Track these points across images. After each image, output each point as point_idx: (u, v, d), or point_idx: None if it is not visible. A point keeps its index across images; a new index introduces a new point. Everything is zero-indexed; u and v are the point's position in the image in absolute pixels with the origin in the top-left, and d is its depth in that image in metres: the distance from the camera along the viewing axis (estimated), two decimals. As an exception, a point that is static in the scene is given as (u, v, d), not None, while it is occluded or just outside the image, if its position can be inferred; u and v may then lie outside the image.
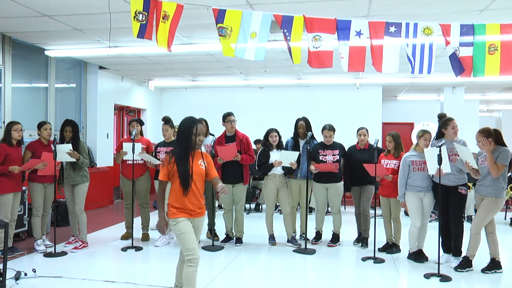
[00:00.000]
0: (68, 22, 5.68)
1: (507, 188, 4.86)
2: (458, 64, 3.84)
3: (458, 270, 4.70)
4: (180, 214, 3.36)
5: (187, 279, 3.32)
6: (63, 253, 5.23)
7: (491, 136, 4.58)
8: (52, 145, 5.21)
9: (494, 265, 4.70)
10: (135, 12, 3.74)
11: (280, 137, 5.82)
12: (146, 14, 3.75)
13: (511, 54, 3.65)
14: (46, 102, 7.63)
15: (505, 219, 7.61)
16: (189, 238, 3.33)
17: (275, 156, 5.68)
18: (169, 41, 3.79)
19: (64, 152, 5.19)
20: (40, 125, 5.44)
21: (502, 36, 3.66)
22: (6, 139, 5.11)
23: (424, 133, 5.09)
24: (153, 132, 10.60)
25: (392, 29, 3.80)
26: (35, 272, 4.42)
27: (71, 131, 5.46)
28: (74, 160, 5.30)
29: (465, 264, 4.72)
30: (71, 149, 5.25)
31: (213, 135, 6.13)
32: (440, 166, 4.50)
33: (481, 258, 4.76)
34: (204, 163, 3.47)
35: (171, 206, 3.39)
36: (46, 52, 7.19)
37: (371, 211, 5.71)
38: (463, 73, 3.83)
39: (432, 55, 3.84)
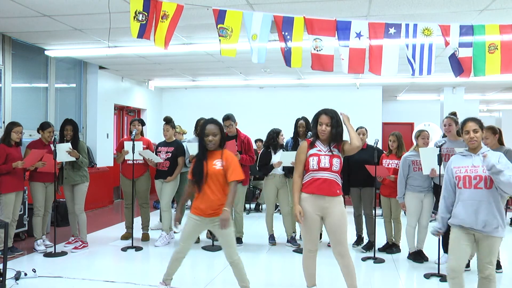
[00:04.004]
0: (68, 22, 5.68)
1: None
2: (457, 65, 3.84)
3: None
4: (193, 211, 3.61)
5: (168, 263, 3.77)
6: (63, 253, 5.23)
7: (496, 134, 4.63)
8: (52, 145, 5.21)
9: (494, 265, 4.70)
10: (135, 12, 3.74)
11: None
12: (146, 14, 3.75)
13: (511, 52, 3.65)
14: (46, 102, 7.64)
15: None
16: (182, 234, 3.71)
17: (276, 157, 5.67)
18: (166, 40, 3.80)
19: (63, 151, 5.19)
20: (44, 127, 5.42)
21: (502, 36, 3.66)
22: (5, 139, 5.11)
23: (421, 133, 5.10)
24: (153, 132, 10.61)
25: (392, 30, 3.80)
26: (35, 272, 4.42)
27: (72, 130, 5.46)
28: (74, 159, 5.29)
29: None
30: (71, 147, 5.25)
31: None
32: (440, 166, 4.49)
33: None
34: (221, 163, 3.51)
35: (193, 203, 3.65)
36: (46, 52, 7.19)
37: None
38: (462, 73, 3.83)
39: (432, 56, 3.84)
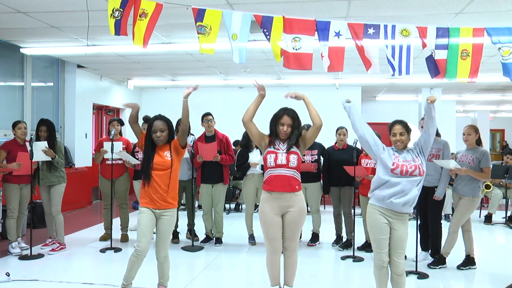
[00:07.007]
0: (45, 19, 5.57)
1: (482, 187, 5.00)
2: (434, 67, 3.92)
3: (431, 267, 4.81)
4: (144, 204, 3.62)
5: (128, 267, 3.64)
6: (40, 256, 5.13)
7: (477, 133, 4.80)
8: (28, 143, 5.10)
9: (468, 262, 4.82)
10: (113, 10, 3.71)
11: None
12: (121, 10, 3.72)
13: (479, 60, 3.84)
14: (22, 101, 7.47)
15: (479, 217, 7.79)
16: (139, 231, 3.60)
17: (254, 156, 5.70)
18: (145, 39, 3.76)
19: (40, 149, 5.08)
20: (14, 125, 5.30)
21: (474, 39, 3.78)
22: None
23: None
24: (132, 132, 10.47)
25: (371, 31, 3.84)
26: (8, 275, 4.29)
27: (46, 131, 5.34)
28: (50, 159, 5.19)
29: (439, 261, 4.82)
30: (47, 146, 5.14)
31: (193, 135, 6.10)
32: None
33: (454, 255, 4.87)
34: (170, 154, 3.64)
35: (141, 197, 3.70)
36: (22, 50, 7.03)
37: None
38: (438, 75, 3.93)
39: (410, 56, 3.91)
